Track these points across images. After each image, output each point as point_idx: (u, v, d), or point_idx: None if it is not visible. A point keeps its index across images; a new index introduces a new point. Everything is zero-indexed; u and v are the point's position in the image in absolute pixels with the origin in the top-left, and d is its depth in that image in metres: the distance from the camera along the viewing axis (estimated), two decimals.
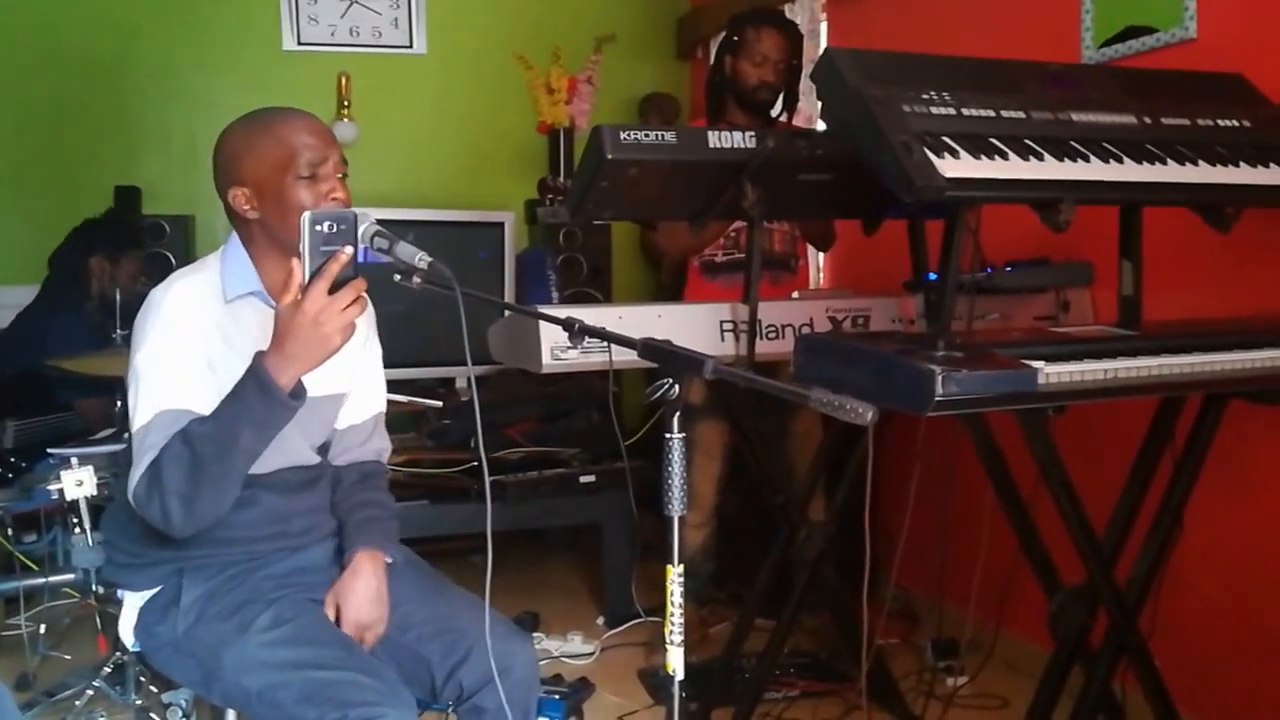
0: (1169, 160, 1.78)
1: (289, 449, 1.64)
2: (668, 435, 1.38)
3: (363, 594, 1.65)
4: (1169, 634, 2.16)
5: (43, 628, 2.78)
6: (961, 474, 2.24)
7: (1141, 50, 2.49)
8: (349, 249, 1.42)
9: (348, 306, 1.42)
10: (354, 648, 1.60)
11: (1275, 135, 1.95)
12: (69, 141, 4.25)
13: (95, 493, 2.35)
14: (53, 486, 2.36)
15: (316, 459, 1.77)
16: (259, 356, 1.45)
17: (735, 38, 2.98)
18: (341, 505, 1.79)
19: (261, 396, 1.43)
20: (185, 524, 1.49)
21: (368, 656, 1.60)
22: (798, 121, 3.19)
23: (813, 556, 2.33)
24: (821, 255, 3.75)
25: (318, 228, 1.41)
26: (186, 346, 1.54)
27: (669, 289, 3.52)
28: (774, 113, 3.05)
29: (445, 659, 1.64)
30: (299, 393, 1.47)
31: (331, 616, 1.65)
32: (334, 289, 1.41)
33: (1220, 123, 1.93)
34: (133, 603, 1.71)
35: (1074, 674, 2.05)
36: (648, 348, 1.44)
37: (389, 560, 1.71)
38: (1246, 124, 1.95)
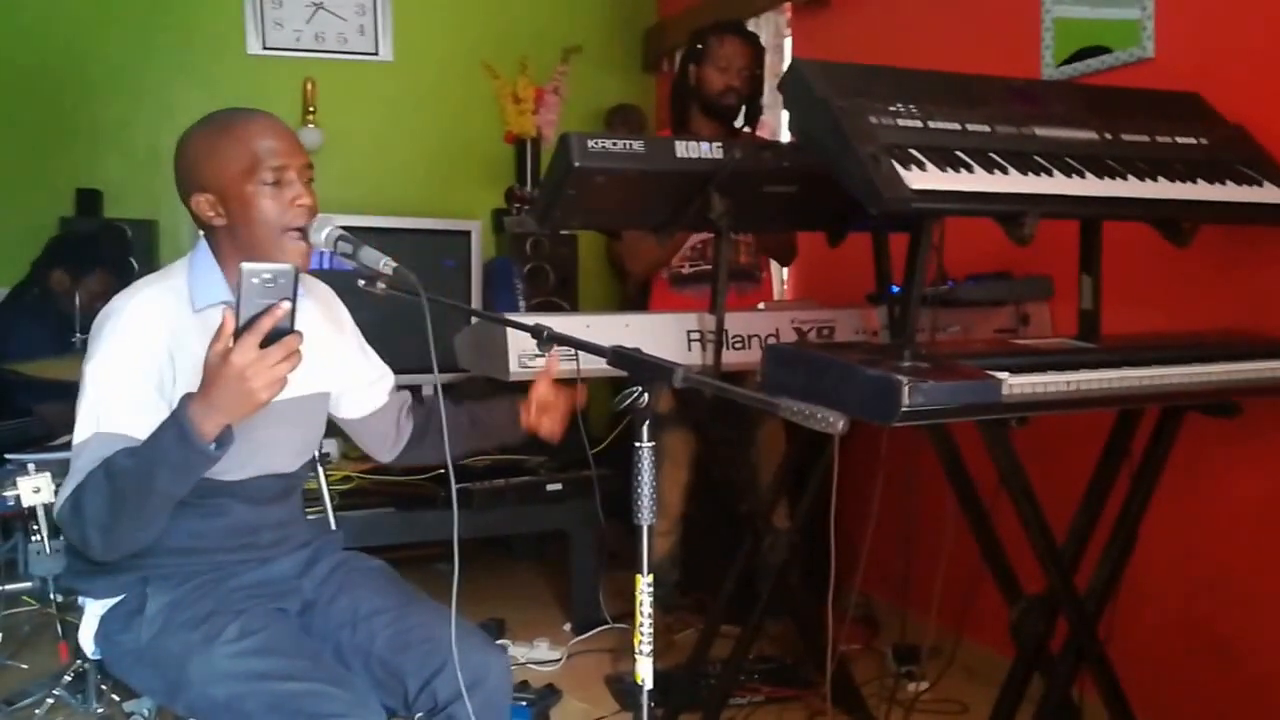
0: (1129, 176, 1.82)
1: (266, 456, 1.62)
2: (637, 444, 1.37)
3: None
4: (1126, 641, 2.19)
5: (0, 636, 2.73)
6: (924, 482, 2.27)
7: (1100, 69, 2.54)
8: (286, 303, 1.37)
9: (278, 363, 1.37)
10: (321, 658, 1.58)
11: (1230, 152, 2.00)
12: (28, 144, 4.16)
13: (53, 499, 2.30)
14: (8, 493, 2.31)
15: (293, 468, 1.74)
16: (184, 400, 1.40)
17: (699, 46, 3.03)
18: (446, 425, 1.72)
19: (179, 443, 1.39)
20: (105, 552, 1.46)
21: (335, 667, 1.58)
22: (761, 134, 3.22)
23: (777, 564, 2.35)
24: (786, 268, 3.78)
25: (254, 279, 1.36)
26: (139, 363, 1.50)
27: (635, 302, 3.53)
28: (737, 124, 3.07)
29: (420, 669, 1.62)
30: (224, 439, 1.41)
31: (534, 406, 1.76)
32: (267, 343, 1.37)
33: (1178, 140, 1.98)
34: (94, 610, 1.67)
35: (1033, 680, 2.08)
36: (618, 355, 1.44)
37: None
38: (1203, 141, 2.00)
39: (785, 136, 3.59)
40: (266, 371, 1.37)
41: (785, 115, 1.88)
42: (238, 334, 1.37)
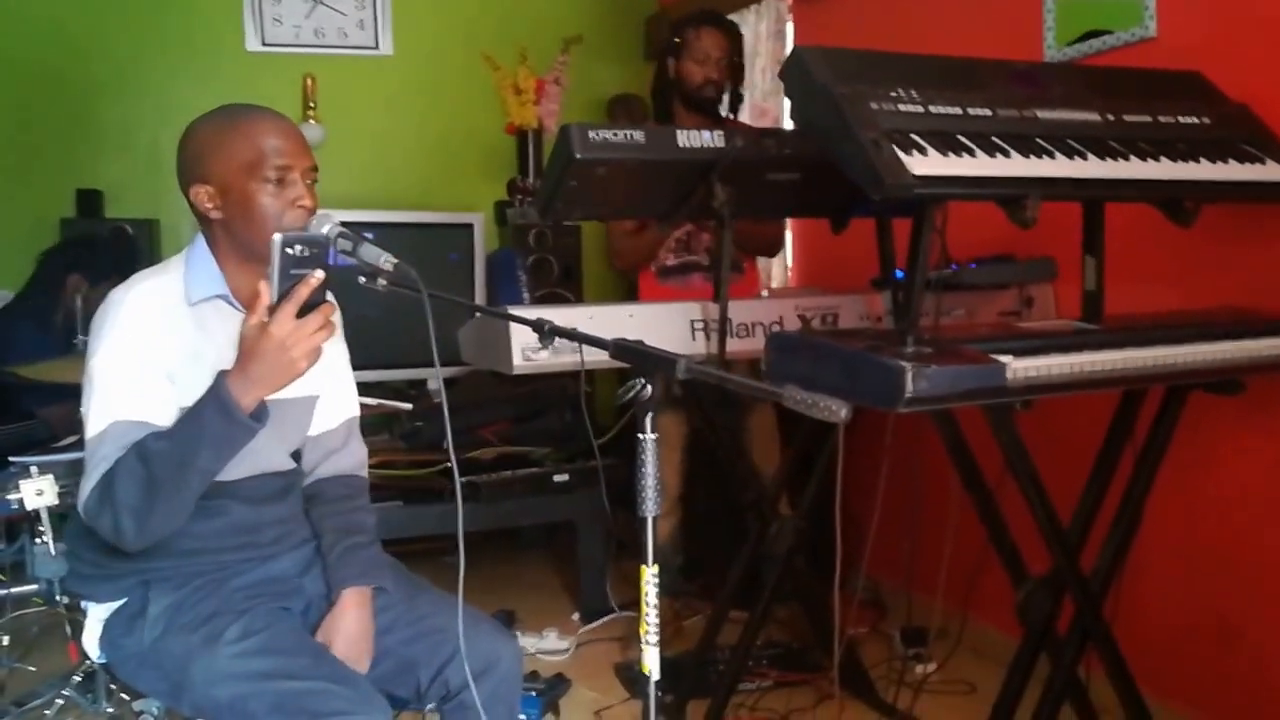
0: (1132, 157, 1.81)
1: (261, 455, 1.61)
2: (641, 436, 1.37)
3: (352, 632, 1.62)
4: (1131, 620, 2.20)
5: (6, 639, 2.73)
6: (929, 466, 2.27)
7: (1102, 49, 2.53)
8: (320, 273, 1.40)
9: (316, 331, 1.40)
10: (324, 656, 1.57)
11: (1233, 131, 1.99)
12: (28, 144, 4.17)
13: (56, 502, 2.29)
14: (12, 496, 2.31)
15: (290, 465, 1.74)
16: (221, 375, 1.42)
17: (676, 40, 3.04)
18: (323, 525, 1.74)
19: (222, 417, 1.41)
20: (137, 539, 1.47)
21: (339, 665, 1.57)
22: (741, 120, 3.22)
23: (784, 550, 2.35)
24: (790, 255, 3.78)
25: (288, 250, 1.38)
26: (143, 353, 1.51)
27: (629, 294, 3.55)
28: (721, 112, 3.07)
29: (432, 659, 1.63)
30: (261, 414, 1.44)
31: None
32: (303, 313, 1.39)
33: (1181, 119, 1.97)
34: (97, 614, 1.66)
35: (1040, 659, 2.08)
36: (620, 348, 1.44)
37: (379, 588, 1.68)
38: (1206, 120, 1.99)
39: (788, 124, 3.58)
40: (305, 340, 1.40)
41: (787, 102, 1.86)
42: (274, 305, 1.39)
